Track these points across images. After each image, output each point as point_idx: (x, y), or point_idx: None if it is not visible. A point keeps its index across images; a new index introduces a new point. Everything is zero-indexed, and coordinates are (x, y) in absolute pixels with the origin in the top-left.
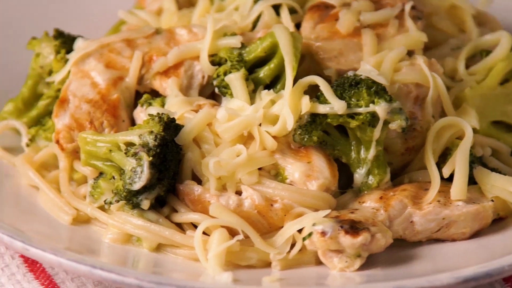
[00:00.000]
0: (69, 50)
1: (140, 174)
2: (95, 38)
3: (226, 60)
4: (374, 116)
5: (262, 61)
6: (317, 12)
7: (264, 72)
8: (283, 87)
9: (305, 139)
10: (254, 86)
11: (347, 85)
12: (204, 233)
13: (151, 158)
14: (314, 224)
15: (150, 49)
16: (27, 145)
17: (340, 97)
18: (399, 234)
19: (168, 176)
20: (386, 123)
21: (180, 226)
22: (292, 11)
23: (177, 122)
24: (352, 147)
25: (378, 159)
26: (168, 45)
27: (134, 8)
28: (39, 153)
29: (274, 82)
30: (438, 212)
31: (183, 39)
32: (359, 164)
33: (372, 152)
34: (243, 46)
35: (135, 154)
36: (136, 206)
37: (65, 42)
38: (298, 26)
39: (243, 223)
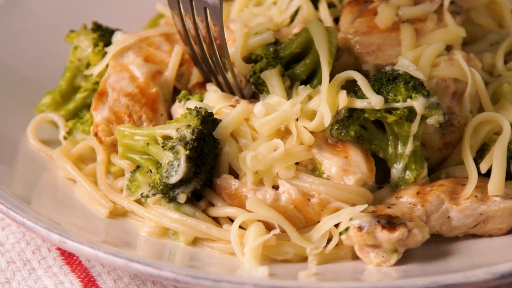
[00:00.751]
0: (107, 43)
1: (177, 167)
2: (133, 31)
3: (262, 57)
4: (411, 111)
5: (298, 57)
6: (356, 6)
7: (300, 68)
8: (319, 83)
9: (343, 134)
10: (291, 82)
11: (385, 80)
12: (240, 227)
13: (188, 152)
14: (351, 219)
15: None
16: (65, 138)
17: (378, 92)
18: (436, 229)
19: (205, 170)
20: (423, 118)
21: (216, 220)
22: (330, 5)
23: (215, 116)
24: (390, 142)
25: (415, 154)
26: None
27: None
28: (77, 146)
29: (311, 77)
30: (475, 208)
31: None
32: (396, 159)
33: (409, 147)
34: (279, 42)
35: (172, 148)
36: (172, 199)
37: (103, 35)
38: (336, 20)
39: (279, 217)
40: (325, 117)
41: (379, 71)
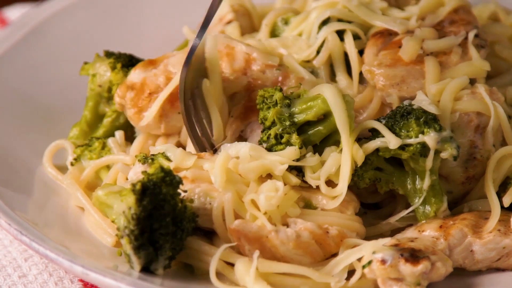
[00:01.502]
0: (125, 63)
1: (132, 259)
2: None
3: (275, 122)
4: (424, 146)
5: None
6: (380, 38)
7: (314, 135)
8: (333, 143)
9: (358, 183)
10: (304, 145)
11: (399, 116)
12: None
13: (134, 243)
14: (374, 252)
15: None
16: (72, 164)
17: (391, 128)
18: (459, 263)
19: (168, 238)
20: (437, 152)
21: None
22: (355, 37)
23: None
24: (408, 178)
25: (434, 188)
26: None
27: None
28: (84, 172)
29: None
30: (498, 241)
31: None
32: (415, 194)
33: (426, 182)
34: (291, 104)
35: (122, 237)
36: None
37: (118, 57)
38: (361, 52)
39: (296, 267)
40: (343, 186)
41: (397, 107)
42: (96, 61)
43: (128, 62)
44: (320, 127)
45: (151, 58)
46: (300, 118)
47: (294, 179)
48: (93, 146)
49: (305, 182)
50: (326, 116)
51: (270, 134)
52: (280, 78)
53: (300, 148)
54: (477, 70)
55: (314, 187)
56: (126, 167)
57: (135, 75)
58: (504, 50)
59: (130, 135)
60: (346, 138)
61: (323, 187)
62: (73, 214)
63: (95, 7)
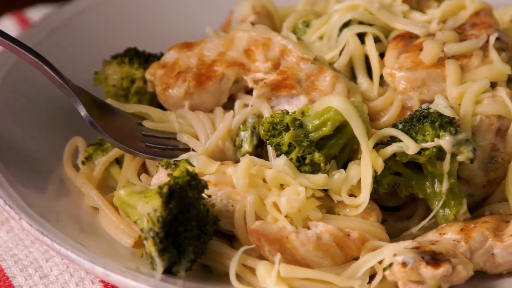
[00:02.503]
0: (131, 58)
1: (156, 261)
2: None
3: (292, 145)
4: (441, 150)
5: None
6: (401, 41)
7: (333, 148)
8: (351, 150)
9: (377, 189)
10: (325, 160)
11: (415, 120)
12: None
13: (159, 245)
14: (395, 255)
15: None
16: (83, 163)
17: (407, 133)
18: (479, 266)
19: (192, 241)
20: (454, 155)
21: None
22: (376, 40)
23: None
24: (427, 182)
25: (453, 191)
26: None
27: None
28: (96, 169)
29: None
30: None
31: None
32: (435, 197)
33: (445, 185)
34: (302, 124)
35: (146, 239)
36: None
37: (123, 55)
38: (382, 55)
39: (318, 272)
40: (365, 195)
41: (416, 110)
42: (104, 66)
43: (134, 55)
44: (337, 139)
45: (190, 43)
46: (316, 135)
47: (318, 193)
48: (105, 145)
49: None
50: (340, 127)
51: (292, 158)
52: (315, 71)
53: (325, 164)
54: (498, 73)
55: (336, 201)
56: None
57: (169, 55)
58: None
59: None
60: (365, 146)
61: (346, 198)
62: (88, 214)
63: (117, 8)
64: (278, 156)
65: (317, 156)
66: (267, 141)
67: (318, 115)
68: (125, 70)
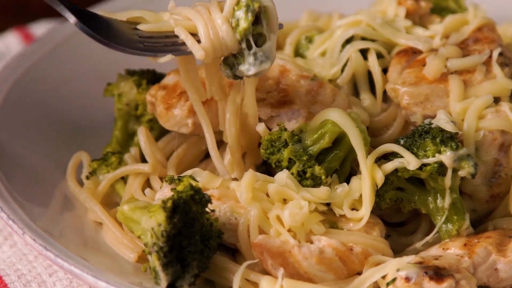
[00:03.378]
0: (150, 80)
1: (159, 275)
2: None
3: (293, 161)
4: (442, 165)
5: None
6: (404, 57)
7: (333, 161)
8: (351, 162)
9: (379, 204)
10: (326, 173)
11: (417, 136)
12: None
13: (163, 259)
14: (398, 270)
15: None
16: (87, 178)
17: (409, 148)
18: (483, 281)
19: (195, 256)
20: (456, 170)
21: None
22: (379, 55)
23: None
24: (429, 197)
25: (455, 206)
26: None
27: None
28: (101, 185)
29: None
30: None
31: None
32: (437, 213)
33: (447, 201)
34: (301, 138)
35: (150, 254)
36: None
37: (142, 74)
38: (385, 71)
39: (321, 287)
40: (366, 210)
41: (418, 125)
42: (119, 80)
43: (152, 77)
44: (336, 151)
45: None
46: (315, 149)
47: (321, 207)
48: (109, 160)
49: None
50: (338, 139)
51: (292, 173)
52: (315, 87)
53: (326, 177)
54: (501, 88)
55: (338, 215)
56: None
57: (169, 78)
58: None
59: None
60: (362, 155)
61: (348, 212)
62: (91, 229)
63: None
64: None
65: (317, 169)
66: (267, 159)
67: (316, 129)
68: (142, 97)
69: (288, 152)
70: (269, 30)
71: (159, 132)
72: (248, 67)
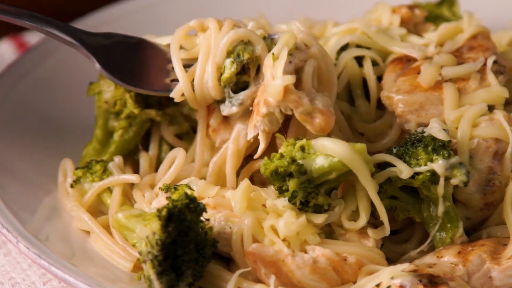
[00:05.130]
0: None
1: (155, 282)
2: None
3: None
4: (434, 174)
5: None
6: (399, 65)
7: (334, 182)
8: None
9: (374, 213)
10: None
11: (410, 144)
12: None
13: (157, 267)
14: (392, 278)
15: None
16: (71, 186)
17: (401, 157)
18: None
19: (190, 264)
20: (449, 178)
21: None
22: (374, 63)
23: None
24: (423, 206)
25: (448, 214)
26: None
27: None
28: (88, 194)
29: None
30: None
31: None
32: (431, 221)
33: (440, 209)
34: (306, 170)
35: (144, 262)
36: None
37: None
38: (379, 78)
39: None
40: (362, 221)
41: (406, 136)
42: (100, 79)
43: None
44: (338, 177)
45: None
46: (318, 181)
47: (318, 220)
48: (93, 169)
49: None
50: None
51: (295, 202)
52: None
53: (328, 204)
54: (495, 96)
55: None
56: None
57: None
58: None
59: (136, 151)
60: (373, 194)
61: (346, 224)
62: (80, 237)
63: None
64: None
65: (321, 199)
66: (271, 183)
67: (322, 167)
68: (119, 93)
69: (293, 185)
70: (257, 79)
71: (137, 128)
72: (223, 107)
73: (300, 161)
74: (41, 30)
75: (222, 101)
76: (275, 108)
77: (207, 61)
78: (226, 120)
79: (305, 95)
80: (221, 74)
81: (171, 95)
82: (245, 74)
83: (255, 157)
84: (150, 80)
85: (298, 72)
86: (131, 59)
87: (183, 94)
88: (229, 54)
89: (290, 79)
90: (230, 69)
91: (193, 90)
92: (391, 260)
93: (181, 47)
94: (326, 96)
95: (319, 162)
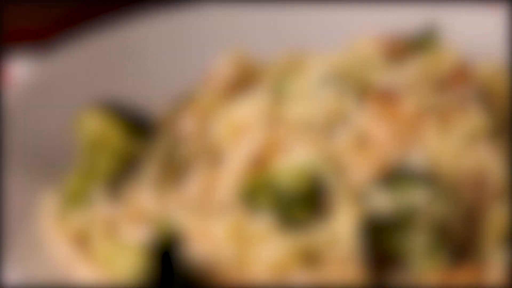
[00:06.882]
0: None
1: None
2: None
3: None
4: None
5: None
6: (381, 97)
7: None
8: None
9: None
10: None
11: (390, 179)
12: None
13: None
14: None
15: None
16: (54, 215)
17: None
18: None
19: None
20: (429, 212)
21: None
22: (355, 94)
23: None
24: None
25: (431, 244)
26: None
27: None
28: (73, 225)
29: None
30: None
31: None
32: (413, 253)
33: (422, 241)
34: None
35: None
36: None
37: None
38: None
39: None
40: None
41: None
42: (86, 112)
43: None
44: None
45: None
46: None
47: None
48: (76, 198)
49: None
50: None
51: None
52: None
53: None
54: (478, 128)
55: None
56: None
57: None
58: (505, 107)
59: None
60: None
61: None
62: (63, 266)
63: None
64: None
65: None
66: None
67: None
68: (103, 125)
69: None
70: None
71: (121, 159)
72: None
73: None
74: None
75: None
76: None
77: None
78: None
79: None
80: None
81: None
82: None
83: None
84: None
85: None
86: None
87: None
88: None
89: None
90: None
91: None
92: None
93: None
94: None
95: None
